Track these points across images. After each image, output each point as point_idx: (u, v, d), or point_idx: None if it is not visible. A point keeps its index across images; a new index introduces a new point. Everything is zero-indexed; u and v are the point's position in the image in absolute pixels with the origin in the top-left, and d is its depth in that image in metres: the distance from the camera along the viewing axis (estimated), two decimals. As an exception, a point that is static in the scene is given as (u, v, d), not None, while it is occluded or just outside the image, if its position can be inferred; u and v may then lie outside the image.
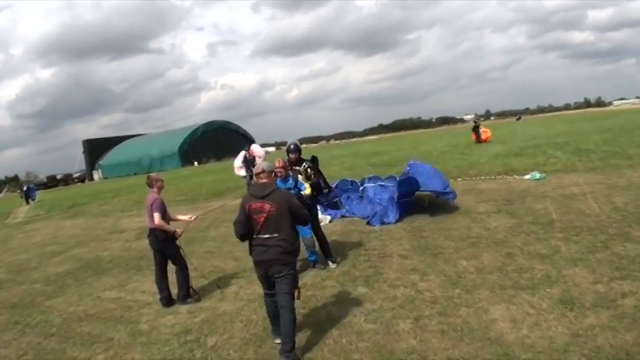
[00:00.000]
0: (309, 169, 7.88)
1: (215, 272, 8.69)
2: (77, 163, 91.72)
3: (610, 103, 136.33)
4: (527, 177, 14.32)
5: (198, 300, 7.33)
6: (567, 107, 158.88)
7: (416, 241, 8.94)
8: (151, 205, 7.22)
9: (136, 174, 69.13)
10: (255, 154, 17.26)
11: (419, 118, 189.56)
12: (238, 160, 17.42)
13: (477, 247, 7.99)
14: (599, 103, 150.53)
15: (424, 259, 7.77)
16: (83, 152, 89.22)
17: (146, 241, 12.54)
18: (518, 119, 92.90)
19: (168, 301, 7.31)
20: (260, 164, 5.54)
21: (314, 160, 8.28)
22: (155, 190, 7.42)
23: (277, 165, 7.23)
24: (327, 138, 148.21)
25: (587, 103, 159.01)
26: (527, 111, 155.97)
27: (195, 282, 7.74)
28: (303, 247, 7.17)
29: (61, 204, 30.29)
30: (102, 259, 11.25)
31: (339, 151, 46.22)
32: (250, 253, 5.35)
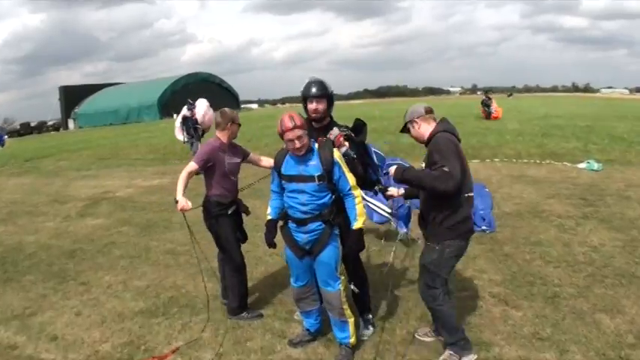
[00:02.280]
0: (346, 142, 3.96)
1: (178, 304, 5.30)
2: (52, 110, 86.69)
3: (598, 90, 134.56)
4: (582, 166, 11.91)
5: (260, 317, 4.77)
6: (554, 89, 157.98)
7: (502, 264, 5.82)
8: None
9: (112, 124, 65.41)
10: (197, 114, 13.75)
11: (405, 86, 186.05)
12: (178, 120, 13.99)
13: (602, 284, 5.16)
14: (587, 89, 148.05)
15: (540, 308, 4.69)
16: (59, 99, 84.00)
17: (89, 223, 9.28)
18: (509, 96, 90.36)
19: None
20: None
21: (358, 127, 4.20)
22: (225, 133, 4.70)
23: (287, 124, 3.62)
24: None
25: (575, 88, 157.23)
26: (515, 89, 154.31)
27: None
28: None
29: (20, 156, 26.34)
30: (22, 251, 7.69)
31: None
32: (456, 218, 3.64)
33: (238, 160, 4.77)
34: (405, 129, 3.94)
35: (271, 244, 4.04)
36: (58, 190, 13.40)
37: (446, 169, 3.44)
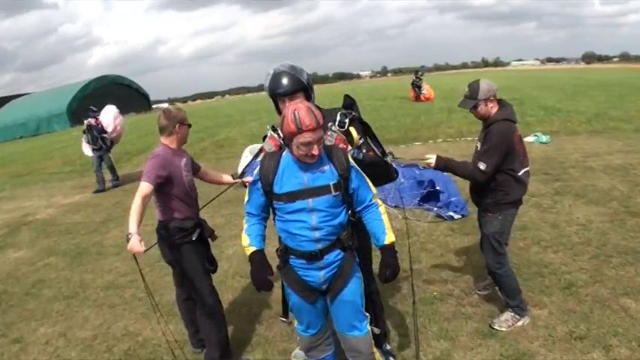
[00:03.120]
0: (353, 130, 3.13)
1: (139, 359, 4.16)
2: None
3: (508, 64, 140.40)
4: (530, 139, 11.72)
5: None
6: (465, 66, 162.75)
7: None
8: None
9: (22, 137, 61.46)
10: (102, 121, 12.43)
11: (315, 73, 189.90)
12: (84, 136, 12.54)
13: (611, 265, 4.83)
14: (497, 63, 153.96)
15: (562, 302, 4.24)
16: (-34, 117, 77.83)
17: (11, 256, 7.76)
18: (421, 75, 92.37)
19: (199, 341, 4.01)
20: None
21: (349, 106, 3.28)
22: (173, 139, 3.68)
23: (308, 122, 2.46)
24: (222, 93, 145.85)
25: (485, 63, 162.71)
26: (424, 68, 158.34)
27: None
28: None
29: None
30: None
31: (249, 106, 39.91)
32: (509, 194, 3.78)
33: (192, 173, 3.77)
34: (472, 106, 3.77)
35: (265, 287, 2.86)
36: (-29, 221, 11.64)
37: (482, 167, 3.64)
